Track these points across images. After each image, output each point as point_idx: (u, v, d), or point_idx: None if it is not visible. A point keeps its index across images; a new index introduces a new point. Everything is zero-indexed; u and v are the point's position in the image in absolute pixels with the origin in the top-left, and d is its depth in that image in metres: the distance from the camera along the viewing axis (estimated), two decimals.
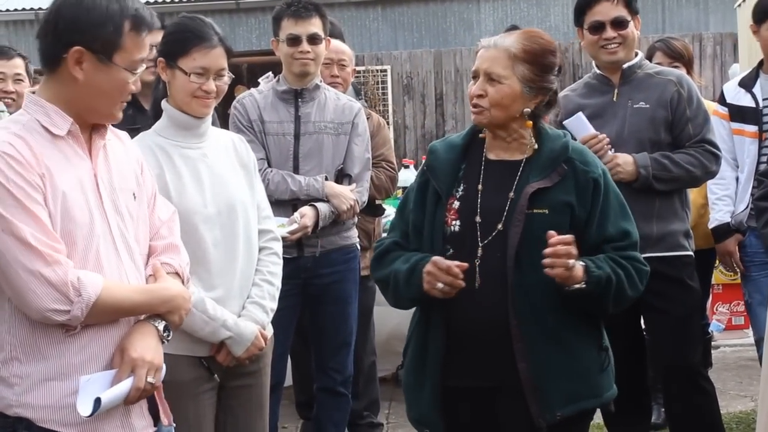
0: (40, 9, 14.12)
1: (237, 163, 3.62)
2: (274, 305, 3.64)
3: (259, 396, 3.65)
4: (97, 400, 2.47)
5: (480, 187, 3.23)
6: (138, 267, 2.71)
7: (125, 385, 2.54)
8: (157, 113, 3.58)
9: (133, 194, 2.74)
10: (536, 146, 3.23)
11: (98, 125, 2.66)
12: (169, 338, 2.72)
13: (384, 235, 4.31)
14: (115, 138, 2.77)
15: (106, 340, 2.58)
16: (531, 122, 3.23)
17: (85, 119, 2.61)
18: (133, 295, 2.63)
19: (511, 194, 3.18)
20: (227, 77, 3.49)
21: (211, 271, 3.43)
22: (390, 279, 3.26)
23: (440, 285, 3.06)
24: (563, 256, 3.01)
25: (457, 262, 3.07)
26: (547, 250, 3.01)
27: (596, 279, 3.08)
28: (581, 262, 3.08)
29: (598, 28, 4.35)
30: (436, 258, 3.10)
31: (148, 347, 2.61)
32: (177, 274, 2.80)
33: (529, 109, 3.20)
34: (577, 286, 3.07)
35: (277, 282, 3.66)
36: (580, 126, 4.24)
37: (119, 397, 2.53)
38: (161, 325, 2.68)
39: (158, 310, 2.68)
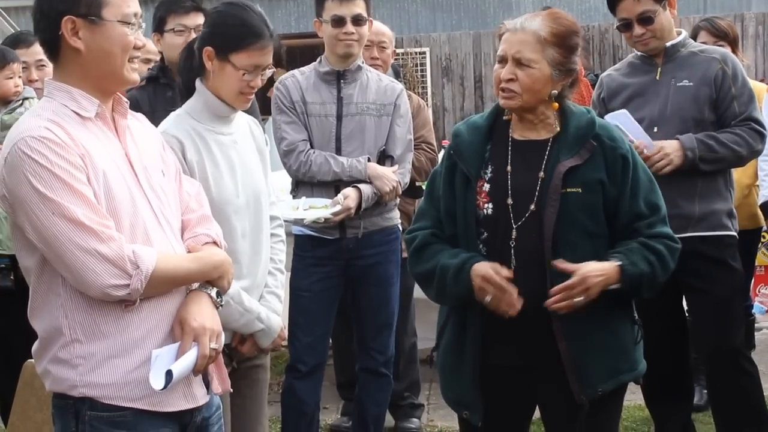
0: None
1: (255, 148, 3.59)
2: (283, 294, 3.65)
3: (265, 373, 3.69)
4: (169, 373, 2.50)
5: (509, 168, 3.21)
6: (179, 241, 2.74)
7: (192, 355, 2.58)
8: (190, 90, 3.50)
9: (162, 171, 2.78)
10: (560, 127, 3.21)
11: (117, 105, 2.69)
12: (222, 303, 2.76)
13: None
14: (133, 118, 2.80)
15: (163, 312, 2.61)
16: (557, 104, 3.22)
17: (104, 89, 2.63)
18: (186, 264, 2.67)
19: (541, 174, 3.17)
20: (269, 70, 3.45)
21: (240, 261, 3.38)
22: (435, 273, 3.21)
23: (488, 298, 3.09)
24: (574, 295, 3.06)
25: (504, 272, 3.08)
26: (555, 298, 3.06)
27: (631, 277, 3.10)
28: (617, 261, 3.09)
29: (627, 26, 4.32)
30: (485, 271, 3.08)
31: (206, 315, 2.65)
32: (215, 243, 2.83)
33: (556, 91, 3.19)
34: (614, 286, 3.09)
35: (284, 269, 3.69)
36: (628, 124, 4.12)
37: (188, 367, 2.57)
38: (213, 292, 2.72)
39: (211, 276, 2.71)
